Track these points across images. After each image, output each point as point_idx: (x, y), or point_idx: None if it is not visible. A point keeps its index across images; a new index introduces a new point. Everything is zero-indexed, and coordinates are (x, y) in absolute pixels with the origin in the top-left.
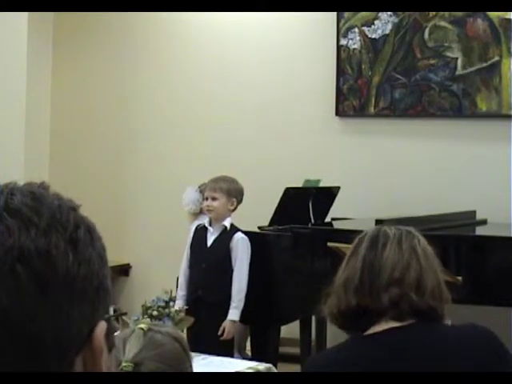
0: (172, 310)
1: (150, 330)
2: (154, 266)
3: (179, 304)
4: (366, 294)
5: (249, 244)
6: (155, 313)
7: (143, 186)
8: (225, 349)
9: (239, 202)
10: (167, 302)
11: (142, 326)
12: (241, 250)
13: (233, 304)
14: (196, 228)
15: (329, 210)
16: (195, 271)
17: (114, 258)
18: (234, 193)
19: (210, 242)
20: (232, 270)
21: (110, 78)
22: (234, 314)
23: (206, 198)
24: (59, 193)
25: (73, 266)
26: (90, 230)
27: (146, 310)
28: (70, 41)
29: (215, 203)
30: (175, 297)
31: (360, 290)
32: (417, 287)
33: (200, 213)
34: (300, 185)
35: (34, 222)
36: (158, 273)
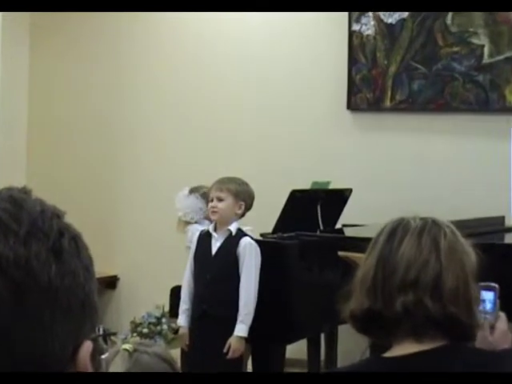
0: (164, 327)
1: (135, 350)
2: (145, 278)
3: (182, 320)
4: (378, 297)
5: (258, 250)
6: (145, 330)
7: (132, 189)
8: (233, 369)
9: (248, 207)
10: (159, 319)
11: (127, 346)
12: (248, 257)
13: (239, 318)
14: (200, 234)
15: (339, 215)
16: (200, 283)
17: (99, 268)
18: (243, 195)
19: (214, 249)
20: (240, 280)
21: (95, 70)
22: (240, 329)
23: (212, 199)
24: (41, 198)
25: (55, 277)
26: (76, 238)
27: (135, 327)
28: (49, 29)
29: (220, 204)
30: (168, 312)
31: (372, 293)
32: (433, 290)
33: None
34: (307, 187)
35: (12, 228)
36: (149, 286)
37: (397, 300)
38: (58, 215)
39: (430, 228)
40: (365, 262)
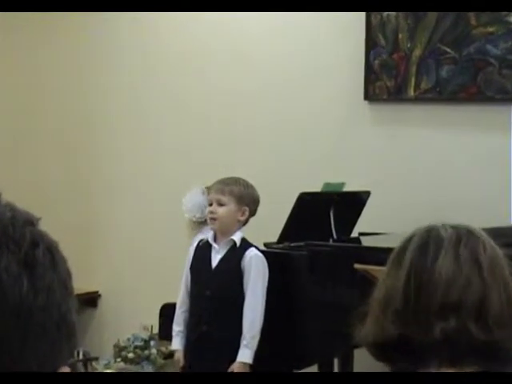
0: (153, 351)
1: None
2: (130, 294)
3: (176, 343)
4: (410, 321)
5: (265, 263)
6: (131, 355)
7: (117, 191)
8: None
9: (252, 213)
10: (147, 342)
11: (110, 372)
12: (255, 271)
13: (244, 341)
14: (197, 245)
15: (356, 221)
16: (197, 300)
17: (78, 284)
18: (247, 200)
19: (215, 262)
20: (244, 297)
21: (70, 57)
22: (245, 354)
23: (210, 204)
24: (12, 202)
25: (27, 294)
26: (52, 249)
27: (119, 351)
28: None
29: (221, 210)
30: (157, 334)
31: (403, 315)
32: (477, 314)
33: (205, 223)
34: (318, 189)
35: None
36: (135, 303)
37: (435, 326)
38: (31, 222)
39: (466, 239)
40: (387, 278)
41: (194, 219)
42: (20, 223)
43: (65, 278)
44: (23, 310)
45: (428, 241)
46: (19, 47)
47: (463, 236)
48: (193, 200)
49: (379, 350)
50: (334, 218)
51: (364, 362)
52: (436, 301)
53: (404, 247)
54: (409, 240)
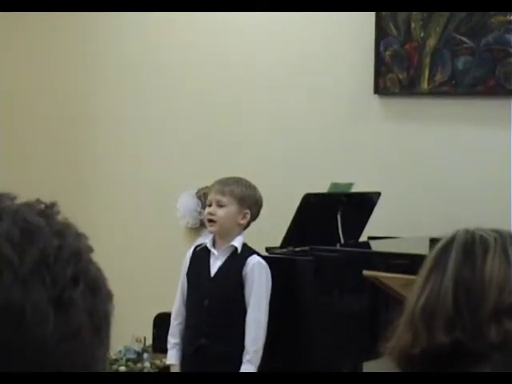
0: (146, 364)
1: None
2: (121, 303)
3: (172, 356)
4: (462, 327)
5: (268, 272)
6: (123, 368)
7: (108, 192)
8: None
9: (254, 216)
10: (140, 354)
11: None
12: (258, 281)
13: (246, 356)
14: (194, 250)
15: (365, 225)
16: (194, 311)
17: None
18: (249, 201)
19: (214, 269)
20: (246, 308)
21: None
22: (247, 370)
23: (210, 204)
24: (72, 224)
25: (51, 337)
26: (95, 287)
27: (109, 364)
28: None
29: (220, 211)
30: (150, 346)
31: (454, 322)
32: None
33: (200, 228)
34: (325, 190)
35: (13, 264)
36: (127, 313)
37: (489, 330)
38: (78, 253)
39: (511, 240)
40: (426, 284)
41: (189, 226)
42: (65, 256)
43: (99, 324)
44: (42, 354)
45: (473, 243)
46: (19, 47)
47: (507, 237)
48: (184, 206)
49: (422, 361)
50: (342, 221)
51: None
52: (489, 305)
53: (444, 250)
54: (449, 242)
